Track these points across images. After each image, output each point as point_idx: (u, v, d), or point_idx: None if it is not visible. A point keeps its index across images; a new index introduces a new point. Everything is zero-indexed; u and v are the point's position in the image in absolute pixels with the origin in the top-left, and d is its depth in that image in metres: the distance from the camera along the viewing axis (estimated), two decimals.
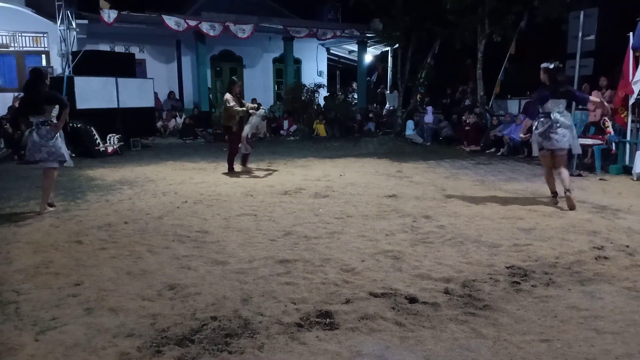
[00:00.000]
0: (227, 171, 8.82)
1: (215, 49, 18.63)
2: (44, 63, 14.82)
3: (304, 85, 17.35)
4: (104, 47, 15.94)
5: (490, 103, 14.33)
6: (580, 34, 9.40)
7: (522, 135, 7.02)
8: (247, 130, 8.62)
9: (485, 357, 2.69)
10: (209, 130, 15.51)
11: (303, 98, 16.76)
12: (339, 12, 20.98)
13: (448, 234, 4.88)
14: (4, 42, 14.40)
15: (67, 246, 4.61)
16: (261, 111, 8.94)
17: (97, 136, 11.23)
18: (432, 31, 15.14)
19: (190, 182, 7.90)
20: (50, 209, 5.99)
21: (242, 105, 8.64)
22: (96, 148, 11.17)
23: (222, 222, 5.45)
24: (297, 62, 20.18)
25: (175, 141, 14.87)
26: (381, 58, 21.07)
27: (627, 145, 8.83)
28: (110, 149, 11.45)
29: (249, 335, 2.91)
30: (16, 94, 12.43)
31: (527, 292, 3.53)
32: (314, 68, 21.09)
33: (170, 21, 15.19)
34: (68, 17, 12.86)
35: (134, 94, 12.56)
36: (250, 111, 8.63)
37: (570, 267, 4.00)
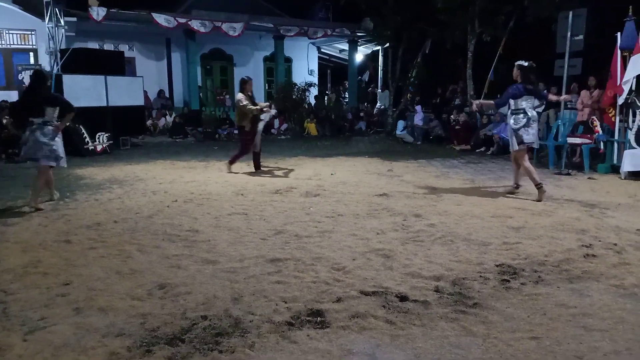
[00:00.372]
0: (227, 168, 8.72)
1: (205, 47, 18.56)
2: (32, 61, 14.68)
3: (295, 84, 17.33)
4: (93, 45, 15.80)
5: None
6: (569, 33, 9.49)
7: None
8: (260, 128, 8.64)
9: (475, 354, 2.71)
10: (199, 129, 15.45)
11: (294, 97, 16.76)
12: (329, 11, 20.99)
13: (438, 233, 4.90)
14: None
15: (56, 246, 4.57)
16: (273, 111, 8.91)
17: (86, 135, 11.13)
18: (423, 30, 15.19)
19: (181, 181, 7.86)
20: (40, 207, 5.97)
21: (254, 104, 8.53)
22: (85, 147, 11.08)
23: (213, 221, 5.43)
24: (288, 60, 20.16)
25: (165, 140, 14.80)
26: (372, 57, 21.11)
27: (615, 145, 8.92)
28: (99, 148, 11.37)
29: (240, 335, 2.91)
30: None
31: (517, 290, 3.55)
32: (305, 67, 21.08)
33: (160, 19, 15.09)
34: (56, 14, 12.72)
35: (123, 92, 12.46)
36: (264, 109, 8.57)
37: (559, 265, 4.04)
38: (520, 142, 6.46)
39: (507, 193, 6.86)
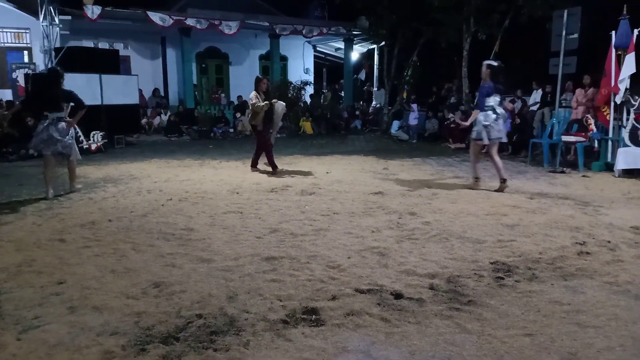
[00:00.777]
0: (252, 170, 8.71)
1: (201, 45, 18.52)
2: (26, 59, 14.62)
3: (291, 83, 17.31)
4: (88, 43, 15.74)
5: (476, 101, 14.41)
6: (563, 32, 9.52)
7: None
8: (278, 122, 8.72)
9: (469, 351, 2.71)
10: (194, 128, 15.42)
11: (290, 95, 16.73)
12: (325, 10, 21.00)
13: (433, 231, 4.91)
14: None
15: (50, 244, 4.55)
16: (281, 102, 8.91)
17: (80, 133, 11.09)
18: (418, 29, 15.20)
19: (176, 180, 7.85)
20: (78, 186, 7.03)
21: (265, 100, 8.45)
22: (79, 145, 11.01)
23: (208, 219, 5.43)
24: (284, 59, 20.14)
25: (160, 138, 14.77)
26: (368, 56, 21.12)
27: (609, 143, 8.96)
28: (93, 147, 11.33)
29: (235, 333, 2.91)
30: None
31: (511, 287, 3.57)
32: (301, 65, 21.07)
33: (156, 17, 15.04)
34: (51, 12, 12.66)
35: (118, 90, 12.39)
36: (273, 101, 8.52)
37: (553, 262, 4.05)
38: (488, 137, 6.80)
39: (470, 188, 7.11)
